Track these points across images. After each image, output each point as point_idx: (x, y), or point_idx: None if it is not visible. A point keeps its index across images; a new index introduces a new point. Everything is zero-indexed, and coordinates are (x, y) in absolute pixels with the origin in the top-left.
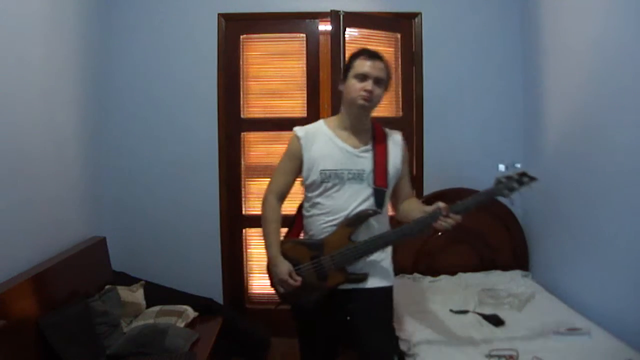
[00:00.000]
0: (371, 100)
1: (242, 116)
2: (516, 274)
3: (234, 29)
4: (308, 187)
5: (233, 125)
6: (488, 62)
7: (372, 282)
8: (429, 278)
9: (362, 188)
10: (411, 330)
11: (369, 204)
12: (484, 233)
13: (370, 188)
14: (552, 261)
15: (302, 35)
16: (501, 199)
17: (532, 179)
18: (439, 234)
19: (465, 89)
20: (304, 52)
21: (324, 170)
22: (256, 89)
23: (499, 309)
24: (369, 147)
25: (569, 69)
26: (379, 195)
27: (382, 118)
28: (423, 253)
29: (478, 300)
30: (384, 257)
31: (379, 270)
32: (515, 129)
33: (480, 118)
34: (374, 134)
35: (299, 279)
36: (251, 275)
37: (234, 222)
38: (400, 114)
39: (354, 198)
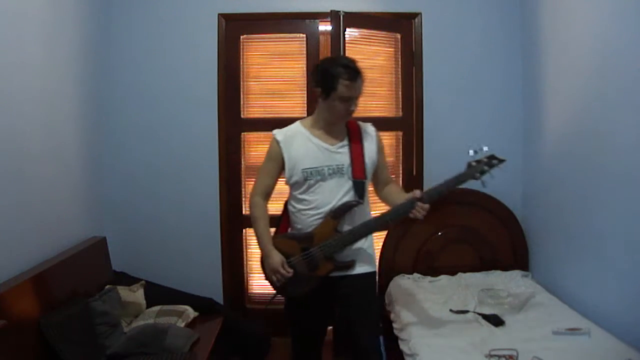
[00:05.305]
0: (352, 114)
1: (242, 116)
2: (516, 274)
3: (234, 29)
4: (293, 186)
5: (233, 125)
6: (488, 62)
7: (359, 269)
8: (429, 278)
9: (342, 181)
10: (411, 330)
11: (351, 195)
12: (484, 233)
13: (350, 181)
14: (552, 261)
15: (302, 35)
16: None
17: (501, 160)
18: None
19: (465, 89)
20: (304, 52)
21: (305, 169)
22: (256, 89)
23: (499, 309)
24: (345, 142)
25: (569, 69)
26: (358, 187)
27: (382, 118)
28: (423, 253)
29: (478, 300)
30: (367, 245)
31: (363, 257)
32: (515, 130)
33: (480, 118)
34: (348, 130)
35: (291, 270)
36: (251, 275)
37: (234, 222)
38: (400, 114)
39: (336, 191)
